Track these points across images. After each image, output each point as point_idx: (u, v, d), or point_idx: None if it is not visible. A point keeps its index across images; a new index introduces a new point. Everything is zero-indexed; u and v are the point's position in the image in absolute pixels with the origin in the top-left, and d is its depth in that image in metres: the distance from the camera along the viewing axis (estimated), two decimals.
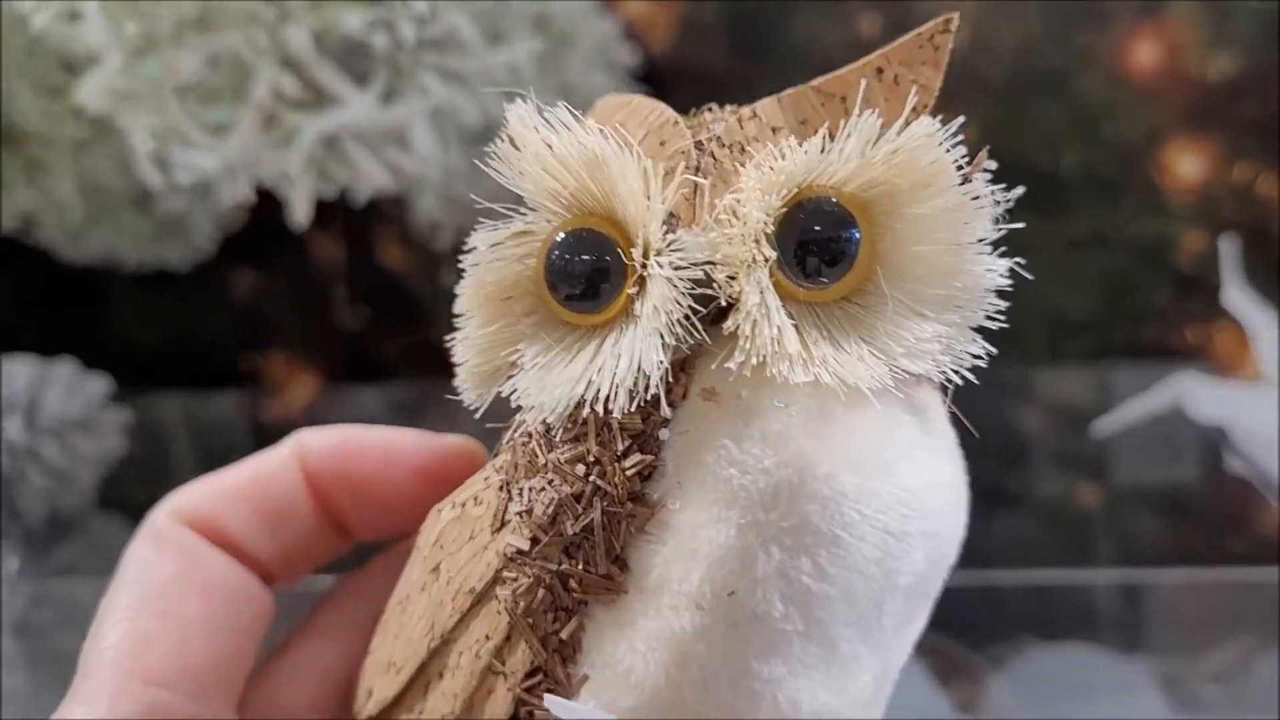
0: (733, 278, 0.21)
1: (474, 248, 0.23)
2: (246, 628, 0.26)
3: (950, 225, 0.21)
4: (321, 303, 0.81)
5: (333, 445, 0.28)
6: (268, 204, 0.53)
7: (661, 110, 0.23)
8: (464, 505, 0.24)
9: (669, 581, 0.21)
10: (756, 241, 0.20)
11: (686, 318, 0.21)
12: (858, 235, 0.21)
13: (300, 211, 0.45)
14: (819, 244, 0.21)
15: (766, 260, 0.20)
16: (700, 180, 0.22)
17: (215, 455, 0.77)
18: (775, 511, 0.20)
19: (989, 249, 0.22)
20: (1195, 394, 0.59)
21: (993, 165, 0.22)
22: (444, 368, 0.87)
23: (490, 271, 0.23)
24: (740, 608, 0.20)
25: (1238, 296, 0.59)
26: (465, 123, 0.47)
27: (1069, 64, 0.72)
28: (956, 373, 0.22)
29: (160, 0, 0.39)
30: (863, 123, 0.21)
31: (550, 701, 0.21)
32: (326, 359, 0.82)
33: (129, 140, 0.43)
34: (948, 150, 0.21)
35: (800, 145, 0.21)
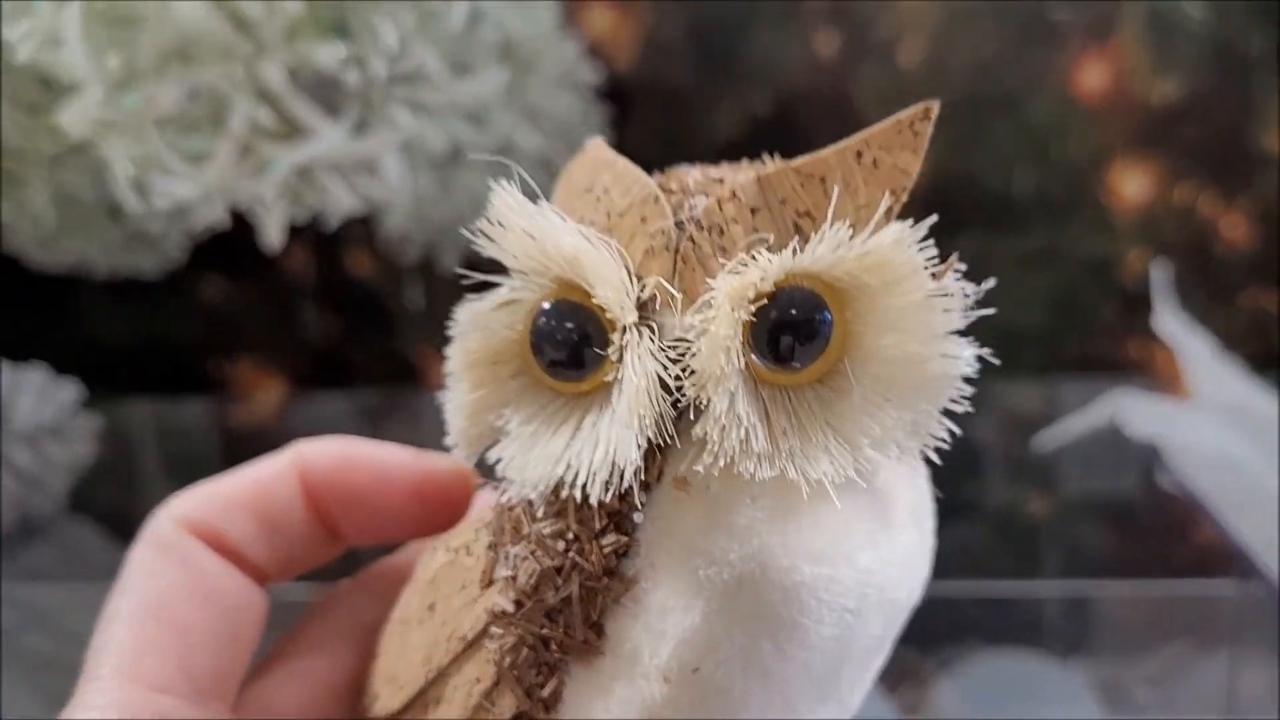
0: (703, 384, 0.21)
1: (462, 316, 0.24)
2: (244, 634, 0.27)
3: (920, 318, 0.22)
4: (289, 310, 0.81)
5: (330, 458, 0.28)
6: (238, 214, 0.54)
7: (645, 184, 0.23)
8: (457, 552, 0.25)
9: (640, 653, 0.22)
10: (726, 351, 0.21)
11: (660, 416, 0.21)
12: (829, 318, 0.21)
13: (273, 236, 0.46)
14: (791, 327, 0.21)
15: (737, 369, 0.21)
16: (678, 263, 0.22)
17: (184, 460, 0.78)
18: (738, 600, 0.21)
19: (956, 338, 0.22)
20: (1130, 411, 0.61)
21: (961, 268, 0.22)
22: (408, 375, 0.88)
23: (478, 338, 0.24)
24: (704, 683, 0.22)
25: (1169, 321, 0.62)
26: (433, 150, 0.48)
27: (1020, 85, 0.74)
28: (923, 453, 0.22)
29: (141, 33, 0.40)
30: (834, 232, 0.21)
31: None
32: (294, 366, 0.83)
33: (110, 164, 0.44)
34: (917, 252, 0.21)
35: (779, 242, 0.22)
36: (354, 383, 0.82)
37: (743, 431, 0.21)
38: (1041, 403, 0.75)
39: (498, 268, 0.24)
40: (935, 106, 0.22)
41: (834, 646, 0.22)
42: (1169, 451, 0.61)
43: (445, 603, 0.25)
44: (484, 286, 0.24)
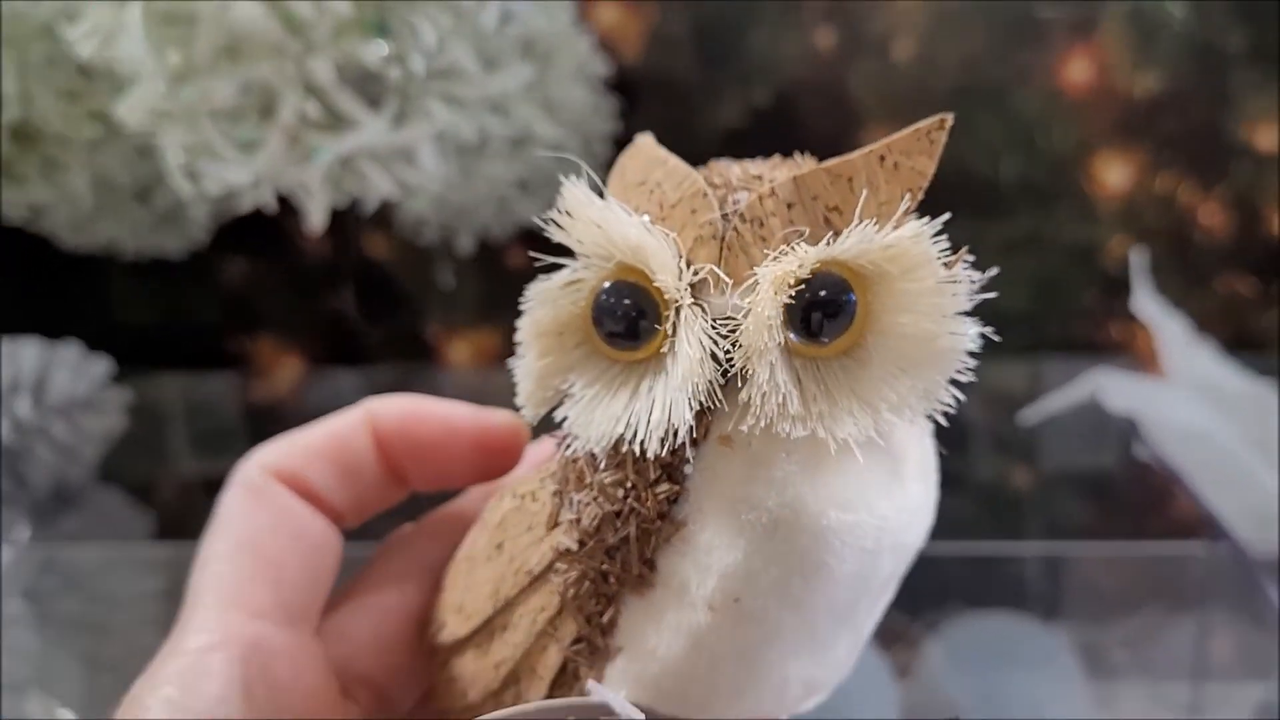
0: (744, 353, 0.24)
1: (532, 293, 0.27)
2: (325, 568, 0.30)
3: (932, 300, 0.24)
4: (308, 290, 0.84)
5: (399, 412, 0.31)
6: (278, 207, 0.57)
7: (694, 180, 0.26)
8: (523, 498, 0.28)
9: (688, 586, 0.25)
10: (768, 328, 0.23)
11: (710, 383, 0.24)
12: (854, 299, 0.24)
13: (316, 219, 0.49)
14: (822, 306, 0.24)
15: (777, 344, 0.24)
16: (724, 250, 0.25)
17: (208, 433, 0.81)
18: (775, 540, 0.24)
19: (963, 318, 0.25)
20: (1109, 388, 0.64)
21: (970, 259, 0.25)
22: (423, 354, 0.90)
23: (546, 311, 0.27)
24: (743, 611, 0.25)
25: (1146, 303, 0.64)
26: (463, 139, 0.51)
27: (1008, 79, 0.76)
28: (932, 418, 0.25)
29: (197, 26, 0.43)
30: (861, 227, 0.24)
31: (591, 686, 0.26)
32: (312, 343, 0.86)
33: (163, 151, 0.47)
34: (932, 244, 0.24)
35: (804, 241, 0.24)
36: (370, 360, 0.85)
37: (780, 397, 0.24)
38: (1026, 381, 0.78)
39: (560, 249, 0.27)
40: (949, 119, 0.25)
41: (854, 582, 0.26)
42: (1146, 426, 0.63)
43: (513, 542, 0.28)
44: (550, 268, 0.27)
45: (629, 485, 0.26)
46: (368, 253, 0.82)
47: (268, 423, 0.81)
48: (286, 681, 0.28)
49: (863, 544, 0.25)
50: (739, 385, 0.25)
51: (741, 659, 0.26)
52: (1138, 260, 0.65)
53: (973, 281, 0.25)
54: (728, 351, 0.24)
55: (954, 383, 0.25)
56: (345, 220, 0.67)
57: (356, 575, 0.32)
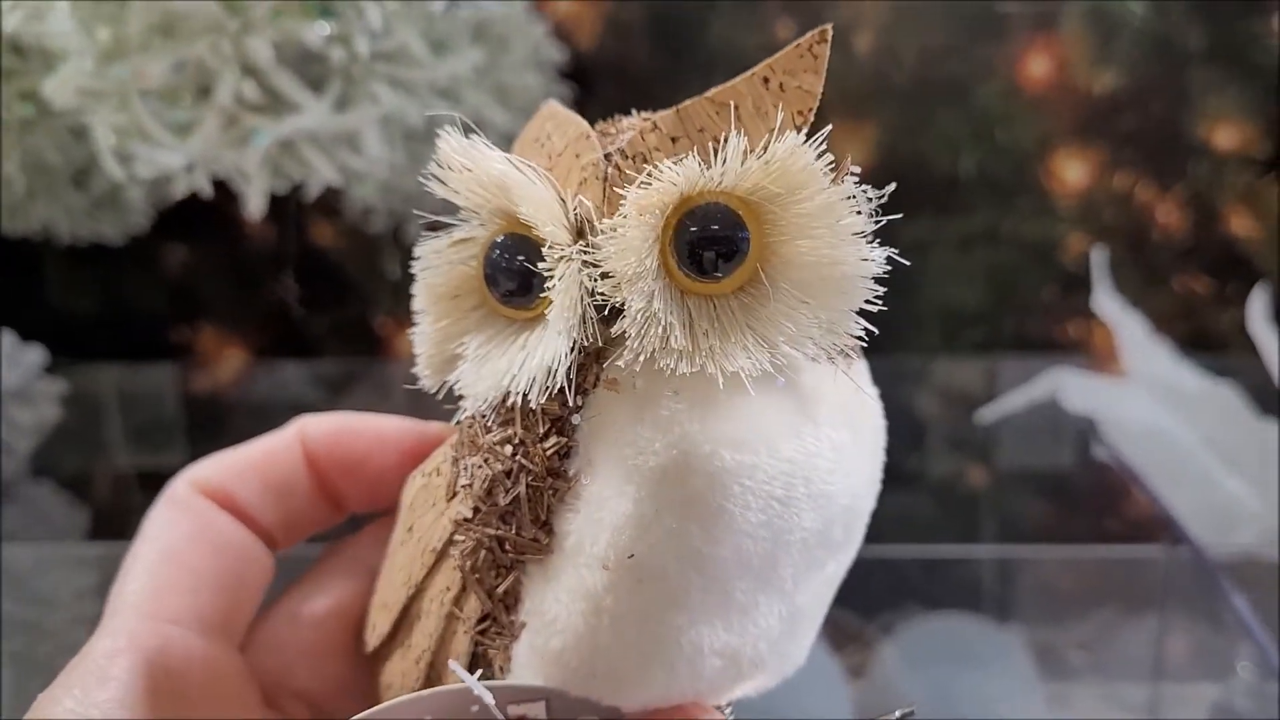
0: (618, 285, 0.23)
1: (422, 254, 0.26)
2: (250, 583, 0.30)
3: (828, 221, 0.23)
4: (253, 279, 0.82)
5: (330, 429, 0.31)
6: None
7: (578, 124, 0.25)
8: (429, 475, 0.28)
9: (583, 544, 0.24)
10: (637, 254, 0.23)
11: (587, 319, 0.23)
12: (745, 234, 0.23)
13: (255, 206, 0.48)
14: (709, 242, 0.23)
15: (652, 272, 0.23)
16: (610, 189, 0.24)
17: (146, 425, 0.79)
18: (664, 485, 0.23)
19: (866, 240, 0.24)
20: (1068, 387, 0.63)
21: (856, 170, 0.24)
22: (372, 346, 0.88)
23: (438, 274, 0.26)
24: (641, 568, 0.23)
25: (1106, 301, 0.64)
26: (410, 125, 0.49)
27: (968, 74, 0.76)
28: (840, 351, 0.24)
29: (130, 2, 0.41)
30: (734, 142, 0.23)
31: (453, 665, 0.25)
32: (256, 334, 0.84)
33: (92, 132, 0.45)
34: (816, 157, 0.23)
35: (675, 163, 0.23)
36: (316, 352, 0.83)
37: (660, 329, 0.23)
38: (982, 379, 0.78)
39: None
40: (829, 29, 0.24)
41: (765, 534, 0.24)
42: (1105, 426, 0.63)
43: (419, 521, 0.27)
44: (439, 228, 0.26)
45: (516, 442, 0.25)
46: (314, 241, 0.81)
47: (209, 416, 0.79)
48: (198, 689, 0.27)
49: (768, 489, 0.24)
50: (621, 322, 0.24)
51: (644, 624, 0.24)
52: (1098, 258, 0.65)
53: (870, 199, 0.24)
54: (596, 283, 0.24)
55: (862, 313, 0.24)
56: (290, 207, 0.65)
57: (291, 586, 0.31)
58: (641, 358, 0.23)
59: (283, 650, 0.30)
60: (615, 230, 0.23)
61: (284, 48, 0.44)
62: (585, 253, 0.23)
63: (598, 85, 0.74)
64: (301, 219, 0.80)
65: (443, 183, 0.25)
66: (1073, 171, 0.78)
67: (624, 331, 0.23)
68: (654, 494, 0.23)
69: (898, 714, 0.29)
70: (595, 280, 0.23)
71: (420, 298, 0.26)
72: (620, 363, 0.23)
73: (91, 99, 0.43)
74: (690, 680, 0.25)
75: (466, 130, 0.25)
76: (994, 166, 0.77)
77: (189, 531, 0.29)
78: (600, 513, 0.24)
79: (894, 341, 0.82)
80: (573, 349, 0.23)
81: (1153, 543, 0.58)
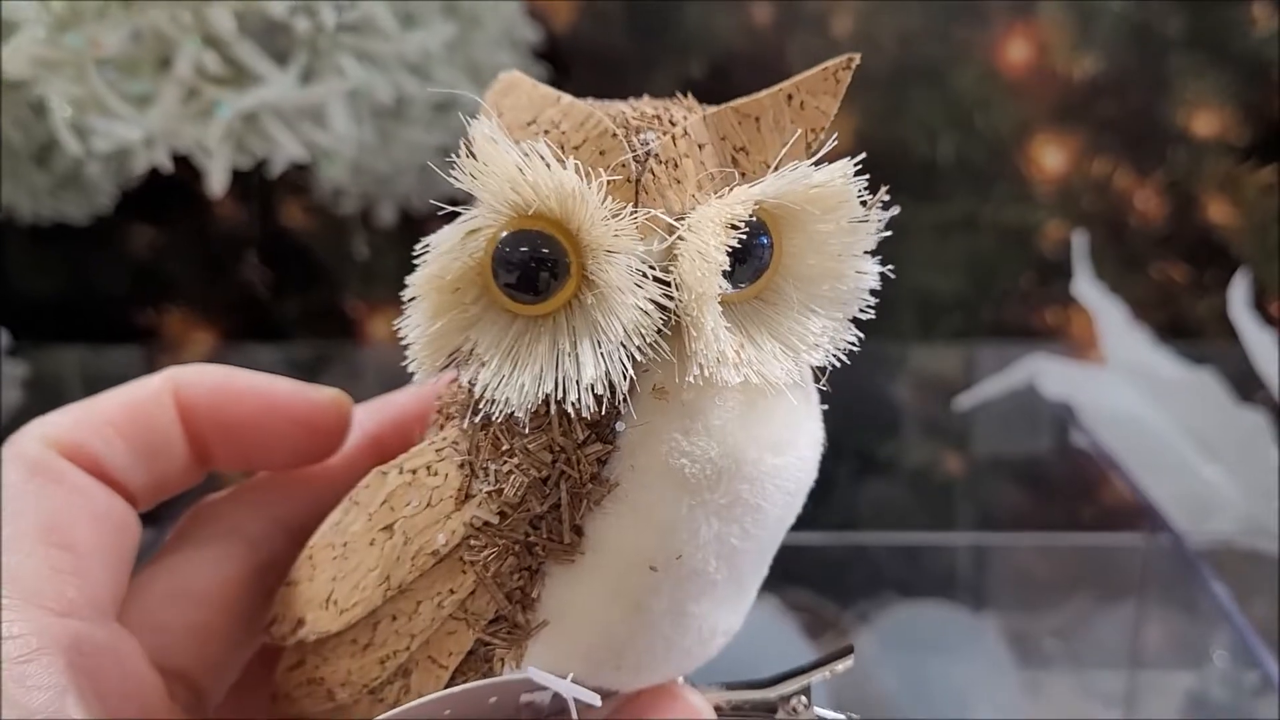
0: (689, 301, 0.23)
1: (427, 244, 0.25)
2: (127, 552, 0.27)
3: (843, 240, 0.25)
4: (221, 262, 0.81)
5: (211, 386, 0.28)
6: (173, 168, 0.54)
7: (599, 119, 0.25)
8: (414, 472, 0.26)
9: (625, 547, 0.24)
10: (712, 272, 0.23)
11: (648, 332, 0.23)
12: (769, 242, 0.24)
13: (217, 182, 0.46)
14: (742, 252, 0.24)
15: (721, 291, 0.23)
16: (640, 192, 0.24)
17: None
18: (716, 492, 0.24)
19: (867, 257, 0.25)
20: (1046, 374, 0.63)
21: (872, 171, 0.24)
22: (343, 329, 0.87)
23: (441, 264, 0.25)
24: (685, 567, 0.24)
25: (1086, 287, 0.64)
26: (378, 100, 0.48)
27: (946, 58, 0.76)
28: (838, 359, 0.25)
29: None
30: (795, 171, 0.24)
31: (532, 672, 0.25)
32: (224, 317, 0.82)
33: (48, 104, 0.44)
34: (853, 184, 0.24)
35: (726, 176, 0.24)
36: (286, 336, 0.82)
37: (722, 345, 0.23)
38: (959, 366, 0.77)
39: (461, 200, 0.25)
40: (856, 58, 0.25)
41: (777, 527, 0.26)
42: (1083, 412, 0.63)
43: (407, 522, 0.26)
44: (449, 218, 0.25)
45: (557, 448, 0.24)
46: (284, 223, 0.79)
47: None
48: (115, 682, 0.25)
49: (787, 486, 0.25)
50: (675, 334, 0.24)
51: (679, 617, 0.25)
52: (1079, 243, 0.65)
53: (879, 219, 0.25)
54: (667, 299, 0.24)
55: (854, 321, 0.25)
56: (258, 186, 0.64)
57: (161, 555, 0.29)
58: (707, 372, 0.23)
59: (163, 630, 0.27)
60: (693, 248, 0.23)
61: (246, 17, 0.43)
62: (628, 261, 0.23)
63: (572, 66, 0.73)
64: (271, 201, 0.78)
65: (463, 170, 0.24)
66: (1051, 158, 0.78)
67: (690, 347, 0.23)
68: (706, 500, 0.24)
69: (839, 664, 0.29)
70: (651, 288, 0.23)
71: (418, 287, 0.25)
72: (688, 377, 0.23)
73: (46, 69, 0.42)
74: (699, 659, 0.27)
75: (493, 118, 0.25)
76: (972, 152, 0.77)
77: (63, 504, 0.26)
78: (648, 517, 0.24)
79: (871, 328, 0.82)
80: (629, 359, 0.23)
81: (1131, 530, 0.58)
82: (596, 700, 0.25)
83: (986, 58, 0.75)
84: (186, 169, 0.52)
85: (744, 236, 0.23)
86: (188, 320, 0.82)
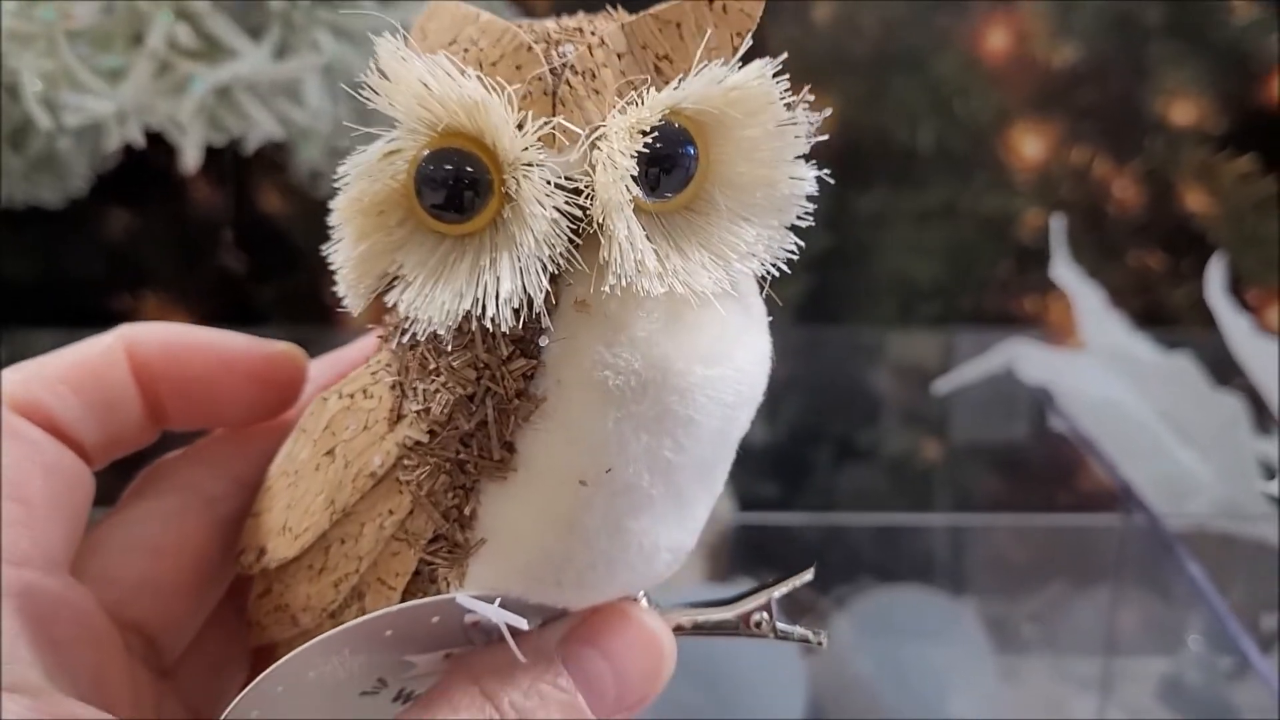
0: (600, 209, 0.23)
1: (347, 168, 0.25)
2: (80, 507, 0.27)
3: (772, 145, 0.24)
4: (197, 246, 0.80)
5: (164, 343, 0.28)
6: (144, 146, 0.53)
7: (516, 34, 0.24)
8: (352, 396, 0.26)
9: (555, 463, 0.24)
10: (623, 181, 0.23)
11: (566, 244, 0.23)
12: (694, 152, 0.24)
13: (190, 159, 0.46)
14: (664, 160, 0.23)
15: (633, 198, 0.23)
16: (558, 103, 0.24)
17: None
18: (643, 404, 0.24)
19: (802, 162, 0.24)
20: (1024, 358, 0.63)
21: (810, 102, 0.24)
22: (322, 314, 0.86)
23: (363, 188, 0.25)
24: (616, 481, 0.24)
25: (1065, 271, 0.64)
26: (355, 77, 0.48)
27: (927, 45, 0.76)
28: (775, 266, 0.25)
29: None
30: (710, 69, 0.23)
31: (460, 596, 0.24)
32: (201, 302, 0.82)
33: (18, 80, 0.43)
34: (775, 86, 0.24)
35: (648, 83, 0.24)
36: (263, 321, 0.81)
37: (638, 253, 0.23)
38: (938, 352, 0.77)
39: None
40: None
41: (717, 439, 0.25)
42: (1061, 396, 0.63)
43: (346, 445, 0.26)
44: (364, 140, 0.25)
45: (481, 365, 0.24)
46: (261, 207, 0.79)
47: None
48: (69, 630, 0.25)
49: (724, 398, 0.25)
50: (592, 245, 0.24)
51: (616, 532, 0.25)
52: (1057, 227, 0.65)
53: (811, 123, 0.24)
54: (581, 209, 0.23)
55: (792, 228, 0.25)
56: (234, 167, 0.64)
57: (116, 510, 0.29)
58: (624, 282, 0.23)
59: (117, 583, 0.27)
60: (599, 157, 0.23)
61: None
62: (544, 174, 0.23)
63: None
64: (248, 185, 0.78)
65: (375, 91, 0.24)
66: (1030, 145, 0.78)
67: (604, 257, 0.23)
68: (633, 412, 0.24)
69: (798, 579, 0.29)
70: (560, 199, 0.23)
71: (341, 213, 0.25)
72: (603, 288, 0.23)
73: (16, 43, 0.42)
74: (645, 577, 0.26)
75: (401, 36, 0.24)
76: (952, 140, 0.77)
77: (17, 458, 0.26)
78: (576, 432, 0.24)
79: (850, 313, 0.82)
80: (544, 271, 0.23)
81: (1108, 512, 0.59)
82: (523, 624, 0.25)
83: (967, 45, 0.75)
84: (162, 151, 0.51)
85: (664, 144, 0.23)
86: (164, 305, 0.81)
